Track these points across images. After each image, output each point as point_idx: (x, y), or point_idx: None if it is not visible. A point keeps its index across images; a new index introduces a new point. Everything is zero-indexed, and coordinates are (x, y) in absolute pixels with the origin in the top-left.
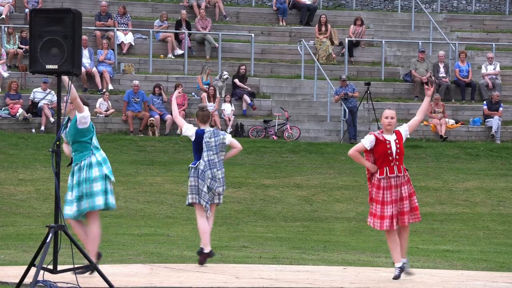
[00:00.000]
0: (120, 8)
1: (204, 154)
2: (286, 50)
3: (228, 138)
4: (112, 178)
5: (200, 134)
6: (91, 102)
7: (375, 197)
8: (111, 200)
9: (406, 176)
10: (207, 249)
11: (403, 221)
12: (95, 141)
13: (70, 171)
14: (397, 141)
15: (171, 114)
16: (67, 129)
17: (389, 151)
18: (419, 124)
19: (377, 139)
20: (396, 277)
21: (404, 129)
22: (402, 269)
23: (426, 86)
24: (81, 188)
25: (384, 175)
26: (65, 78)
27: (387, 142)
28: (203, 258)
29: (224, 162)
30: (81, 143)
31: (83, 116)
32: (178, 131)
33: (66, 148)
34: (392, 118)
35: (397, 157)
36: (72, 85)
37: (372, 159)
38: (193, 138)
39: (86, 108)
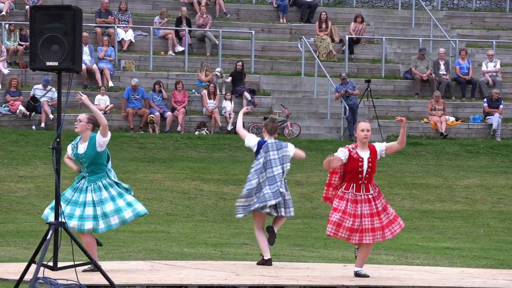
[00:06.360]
0: (122, 5)
1: (268, 171)
2: (287, 47)
3: (292, 150)
4: (132, 192)
5: (261, 145)
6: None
7: (336, 206)
8: (139, 207)
9: (376, 192)
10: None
11: (361, 239)
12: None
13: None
14: (370, 159)
15: (236, 127)
16: (82, 151)
17: (359, 169)
18: (396, 151)
19: (350, 155)
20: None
21: (380, 148)
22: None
23: (398, 118)
24: (102, 207)
25: (349, 190)
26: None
27: (360, 159)
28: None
29: (226, 159)
30: (98, 165)
31: (106, 141)
32: (178, 128)
33: (69, 162)
34: (368, 130)
35: (367, 175)
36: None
37: (342, 171)
38: (255, 149)
39: (109, 134)
